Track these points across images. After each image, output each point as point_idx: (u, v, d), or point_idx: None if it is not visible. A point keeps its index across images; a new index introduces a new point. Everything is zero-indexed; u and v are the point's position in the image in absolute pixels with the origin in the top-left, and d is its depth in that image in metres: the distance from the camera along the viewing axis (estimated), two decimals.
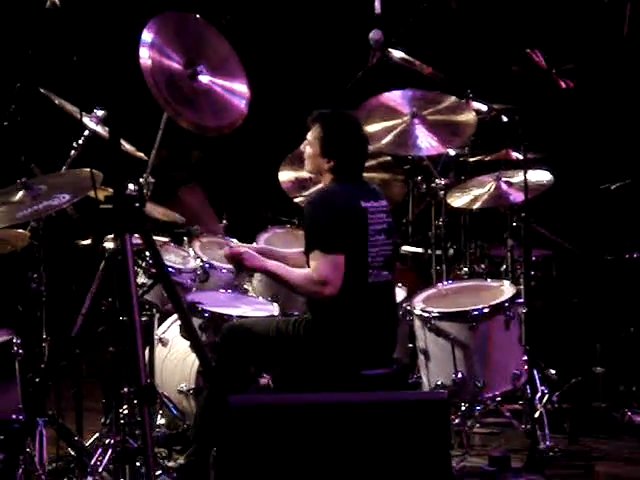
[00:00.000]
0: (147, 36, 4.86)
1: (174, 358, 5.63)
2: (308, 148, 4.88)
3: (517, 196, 5.92)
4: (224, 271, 5.99)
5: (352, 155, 4.83)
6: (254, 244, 5.99)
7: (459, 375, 5.46)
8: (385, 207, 4.85)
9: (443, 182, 6.37)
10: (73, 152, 5.41)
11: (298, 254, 4.98)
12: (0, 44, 7.10)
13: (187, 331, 4.61)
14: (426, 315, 5.57)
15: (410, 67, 5.94)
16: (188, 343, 5.01)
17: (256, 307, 5.65)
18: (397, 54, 5.93)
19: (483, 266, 6.63)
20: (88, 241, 5.72)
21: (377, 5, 6.03)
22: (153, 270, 5.30)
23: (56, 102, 5.46)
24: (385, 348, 4.83)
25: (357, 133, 4.85)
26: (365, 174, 5.12)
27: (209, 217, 4.93)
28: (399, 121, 6.04)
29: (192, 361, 5.47)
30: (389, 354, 4.85)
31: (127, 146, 5.46)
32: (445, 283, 6.05)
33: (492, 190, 6.06)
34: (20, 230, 5.23)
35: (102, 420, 5.37)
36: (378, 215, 4.79)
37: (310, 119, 4.87)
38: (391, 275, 4.84)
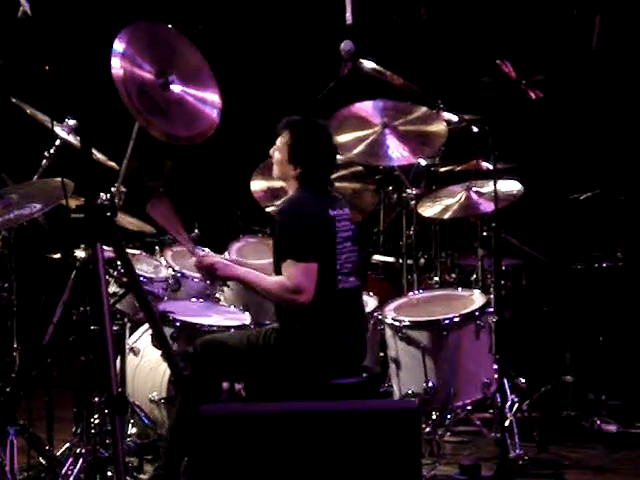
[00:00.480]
0: (119, 46, 4.84)
1: (145, 367, 5.62)
2: (277, 154, 4.91)
3: (487, 206, 5.96)
4: (196, 280, 5.99)
5: (319, 164, 4.86)
6: (225, 254, 6.00)
7: (430, 384, 5.49)
8: (348, 215, 4.88)
9: (414, 192, 6.40)
10: (44, 161, 5.40)
11: (267, 265, 5.00)
12: None
13: (158, 340, 4.61)
14: (397, 324, 5.59)
15: (381, 78, 5.95)
16: (159, 352, 5.02)
17: (228, 316, 5.66)
18: (368, 65, 5.94)
19: (454, 275, 6.65)
20: (59, 254, 5.72)
21: (348, 16, 6.06)
22: (124, 279, 5.30)
23: (28, 111, 5.46)
24: (355, 356, 4.84)
25: (325, 142, 4.88)
26: (337, 184, 5.16)
27: (177, 227, 4.91)
28: (370, 131, 6.05)
29: (163, 370, 5.47)
30: (359, 362, 4.87)
31: (98, 155, 5.46)
32: (416, 292, 6.09)
33: (462, 200, 6.10)
34: None
35: (73, 429, 5.36)
36: (343, 223, 4.82)
37: (280, 125, 4.90)
38: (359, 281, 4.87)
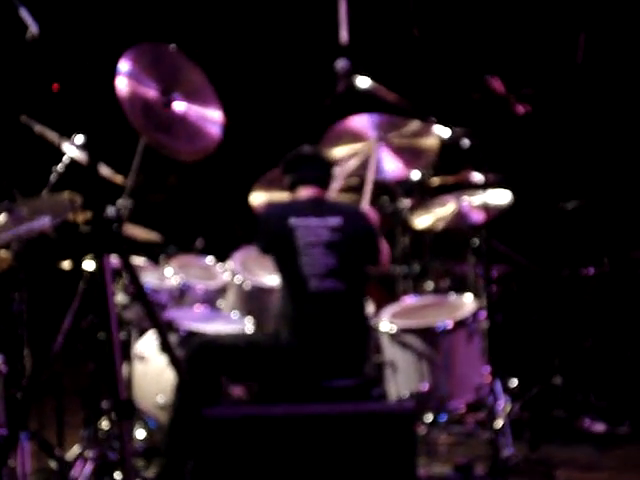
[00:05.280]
0: (124, 66, 5.00)
1: (152, 373, 5.70)
2: None
3: (478, 216, 6.06)
4: (199, 289, 6.18)
5: (288, 173, 5.21)
6: (229, 262, 6.17)
7: (425, 386, 5.64)
8: (332, 224, 5.04)
9: (408, 203, 6.52)
10: (53, 177, 5.49)
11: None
12: None
13: (164, 347, 4.78)
14: (393, 329, 5.76)
15: (375, 94, 6.08)
16: (165, 358, 5.18)
17: (230, 323, 5.80)
18: (363, 82, 6.07)
19: (447, 282, 6.77)
20: (68, 265, 5.85)
21: (343, 35, 6.19)
22: (131, 289, 5.45)
23: (35, 129, 5.60)
24: (349, 358, 4.97)
25: (294, 157, 5.19)
26: (334, 195, 5.34)
27: None
28: (365, 145, 6.13)
29: (169, 376, 5.60)
30: (354, 364, 4.98)
31: (105, 170, 5.61)
32: (411, 298, 6.23)
33: (454, 210, 6.22)
34: (2, 252, 5.32)
35: (82, 434, 5.42)
36: (314, 230, 5.01)
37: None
38: (343, 285, 5.00)
